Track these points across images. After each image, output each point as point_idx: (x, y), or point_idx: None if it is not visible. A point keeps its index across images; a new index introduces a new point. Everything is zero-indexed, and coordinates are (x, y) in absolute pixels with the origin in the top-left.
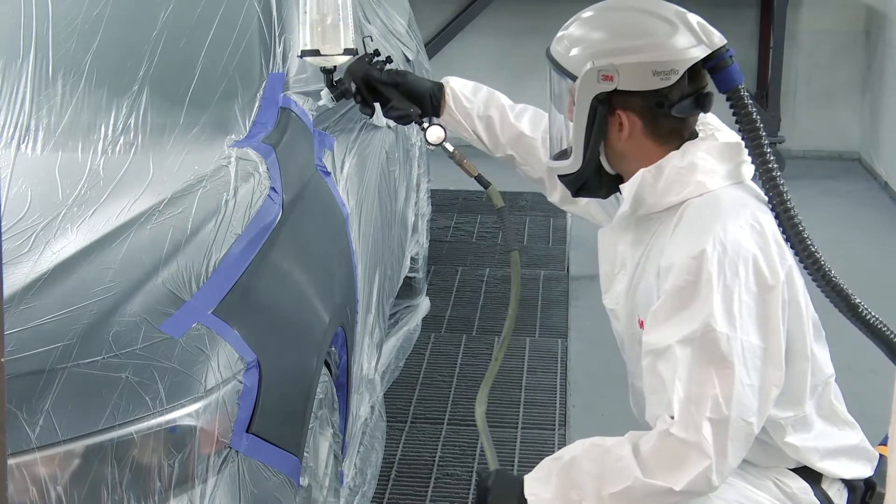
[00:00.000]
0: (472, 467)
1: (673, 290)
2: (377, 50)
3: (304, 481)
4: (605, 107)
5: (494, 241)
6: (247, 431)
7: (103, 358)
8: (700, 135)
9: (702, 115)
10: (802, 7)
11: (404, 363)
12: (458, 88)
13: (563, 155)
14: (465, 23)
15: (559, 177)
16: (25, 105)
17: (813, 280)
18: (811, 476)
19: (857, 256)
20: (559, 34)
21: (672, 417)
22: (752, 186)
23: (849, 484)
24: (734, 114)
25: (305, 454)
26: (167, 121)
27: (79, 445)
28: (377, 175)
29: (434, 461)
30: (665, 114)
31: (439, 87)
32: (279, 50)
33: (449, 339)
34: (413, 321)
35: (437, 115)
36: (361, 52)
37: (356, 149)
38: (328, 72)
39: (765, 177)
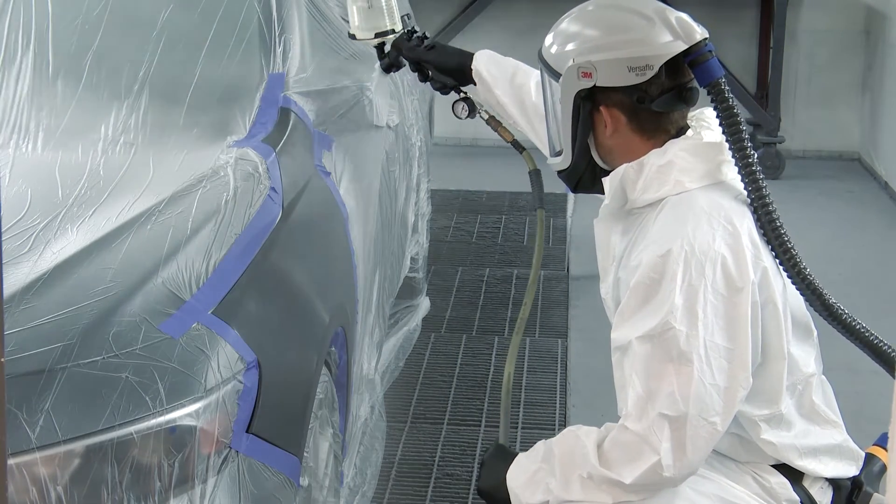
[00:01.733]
0: (472, 467)
1: (636, 286)
2: (414, 27)
3: (304, 481)
4: (589, 103)
5: (494, 241)
6: (247, 431)
7: (103, 358)
8: (690, 131)
9: (701, 110)
10: (802, 7)
11: (404, 363)
12: (483, 65)
13: (557, 154)
14: (465, 23)
15: (557, 174)
16: (25, 105)
17: (789, 278)
18: (793, 473)
19: (857, 256)
20: (548, 34)
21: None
22: (733, 186)
23: (834, 483)
24: (714, 108)
25: (305, 454)
26: (167, 121)
27: (79, 445)
28: (377, 175)
29: (434, 461)
30: (646, 109)
31: (467, 60)
32: (279, 50)
33: (449, 339)
34: (413, 321)
35: (473, 84)
36: (401, 29)
37: (356, 149)
38: (379, 48)
39: (744, 171)
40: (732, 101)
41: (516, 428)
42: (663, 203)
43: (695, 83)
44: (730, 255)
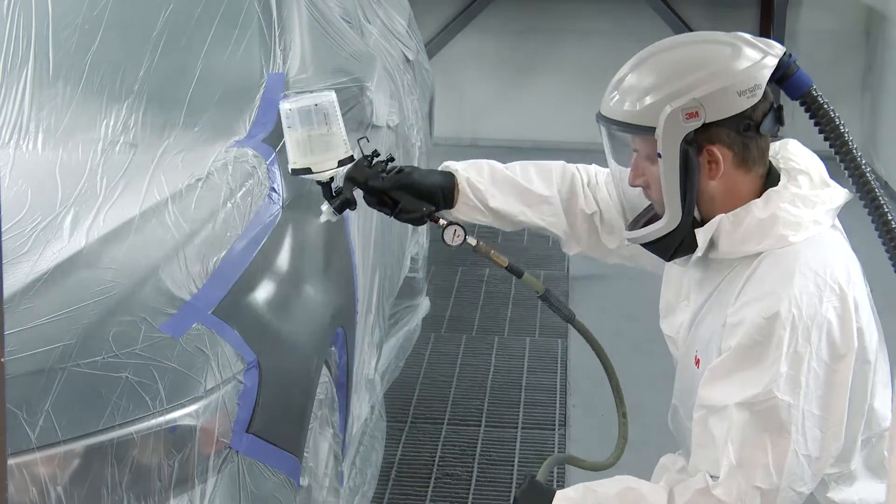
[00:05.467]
0: (472, 467)
1: (739, 348)
2: (376, 150)
3: (304, 481)
4: (695, 147)
5: (494, 241)
6: (247, 431)
7: (103, 358)
8: (783, 175)
9: (782, 143)
10: (802, 7)
11: (404, 363)
12: (466, 174)
13: (648, 220)
14: (465, 23)
15: (647, 245)
16: (25, 105)
17: None
18: None
19: (857, 256)
20: (610, 94)
21: (713, 477)
22: (836, 235)
23: None
24: (811, 117)
25: (305, 454)
26: (167, 121)
27: (79, 445)
28: None
29: (434, 461)
30: (752, 136)
31: (449, 178)
32: (279, 50)
33: (449, 339)
34: (413, 321)
35: (451, 207)
36: (358, 156)
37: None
38: (325, 184)
39: (858, 181)
40: (829, 108)
41: (516, 428)
42: (762, 257)
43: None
44: (836, 321)
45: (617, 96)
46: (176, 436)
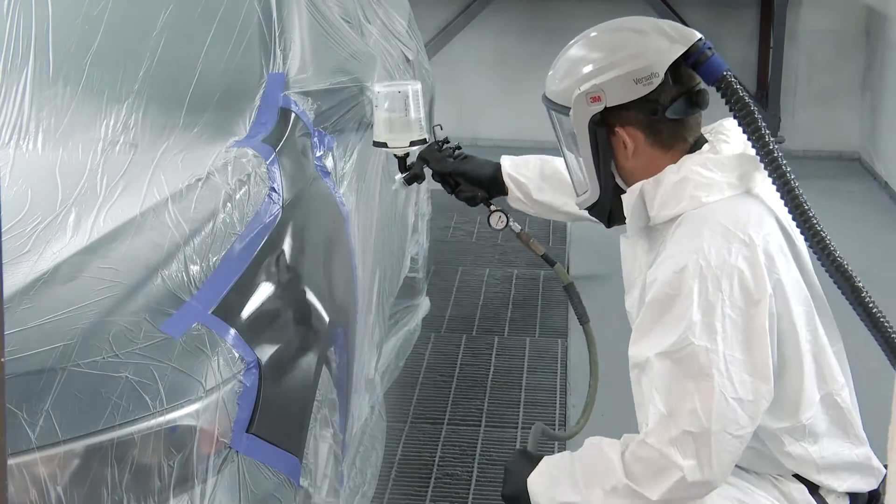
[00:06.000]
0: (473, 467)
1: (653, 302)
2: (447, 138)
3: (304, 481)
4: (604, 128)
5: (494, 241)
6: (247, 431)
7: (103, 358)
8: (707, 146)
9: (719, 122)
10: (802, 7)
11: (404, 363)
12: (513, 170)
13: (584, 191)
14: (465, 23)
15: (588, 211)
16: (25, 105)
17: (823, 267)
18: (809, 481)
19: (857, 256)
20: (548, 76)
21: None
22: (754, 196)
23: (851, 493)
24: (726, 102)
25: (305, 454)
26: (167, 121)
27: (79, 445)
28: (377, 175)
29: (434, 461)
30: (661, 119)
31: (498, 170)
32: (279, 50)
33: (449, 339)
34: (413, 321)
35: (505, 194)
36: (431, 140)
37: (356, 149)
38: (401, 158)
39: (766, 158)
40: (742, 93)
41: (516, 428)
42: (680, 219)
43: (703, 85)
44: (747, 268)
45: (550, 76)
46: (176, 436)
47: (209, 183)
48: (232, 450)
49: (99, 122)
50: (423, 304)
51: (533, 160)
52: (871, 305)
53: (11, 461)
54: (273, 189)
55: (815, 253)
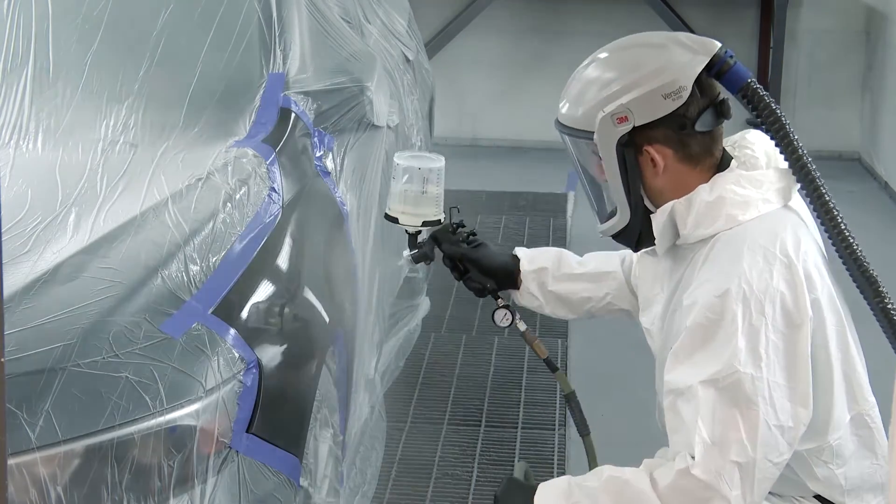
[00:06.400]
0: (472, 467)
1: (694, 328)
2: (462, 221)
3: (303, 481)
4: (632, 148)
5: (494, 241)
6: (247, 431)
7: (103, 358)
8: (734, 162)
9: (741, 134)
10: (802, 7)
11: (404, 363)
12: (532, 264)
13: (609, 216)
14: (465, 23)
15: (615, 238)
16: (25, 105)
17: (850, 275)
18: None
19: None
20: (561, 101)
21: (693, 457)
22: (790, 209)
23: None
24: (752, 110)
25: (305, 454)
26: (167, 121)
27: (79, 445)
28: (377, 175)
29: (434, 461)
30: (690, 133)
31: (514, 263)
32: (279, 50)
33: (449, 339)
34: (413, 321)
35: (516, 288)
36: (446, 220)
37: (356, 149)
38: (412, 235)
39: (798, 170)
40: (769, 100)
41: (516, 428)
42: (715, 239)
43: (724, 95)
44: (788, 292)
45: (564, 103)
46: (176, 436)
47: (209, 183)
48: (232, 450)
49: (99, 122)
50: (423, 304)
51: (551, 250)
52: None
53: (11, 461)
54: (273, 189)
55: (846, 266)
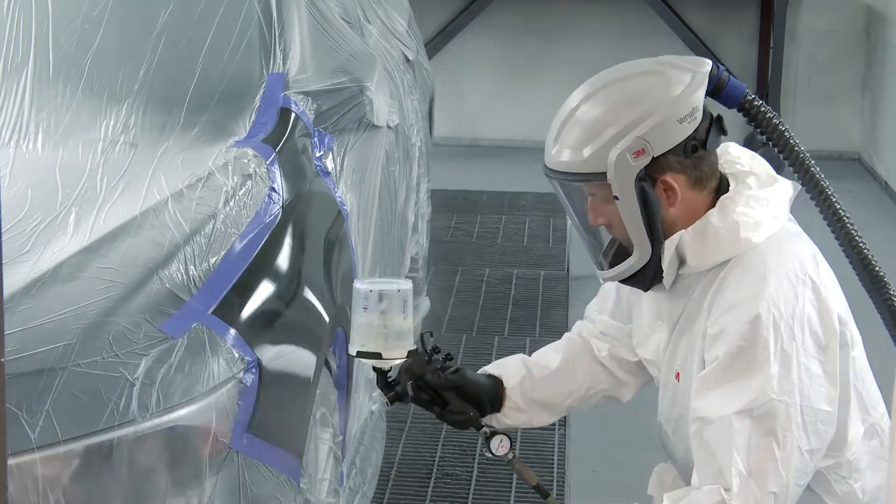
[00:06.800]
0: (472, 467)
1: (726, 356)
2: (436, 346)
3: (303, 482)
4: (649, 181)
5: (494, 241)
6: (247, 431)
7: (103, 358)
8: (732, 180)
9: (724, 148)
10: (802, 7)
11: None
12: (510, 378)
13: (617, 259)
14: (465, 23)
15: (626, 281)
16: (25, 105)
17: (864, 288)
18: None
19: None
20: (552, 147)
21: (726, 490)
22: (794, 224)
23: None
24: (754, 126)
25: (305, 454)
26: (167, 121)
27: (79, 445)
28: (377, 175)
29: (434, 461)
30: (701, 156)
31: (497, 384)
32: (279, 50)
33: (449, 339)
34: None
35: (497, 410)
36: (419, 349)
37: (356, 149)
38: (383, 372)
39: (807, 181)
40: (767, 110)
41: (515, 428)
42: (730, 264)
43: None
44: (814, 314)
45: (560, 149)
46: (176, 436)
47: (209, 183)
48: (232, 450)
49: (99, 122)
50: (423, 304)
51: (512, 360)
52: None
53: (11, 461)
54: (273, 189)
55: (858, 274)
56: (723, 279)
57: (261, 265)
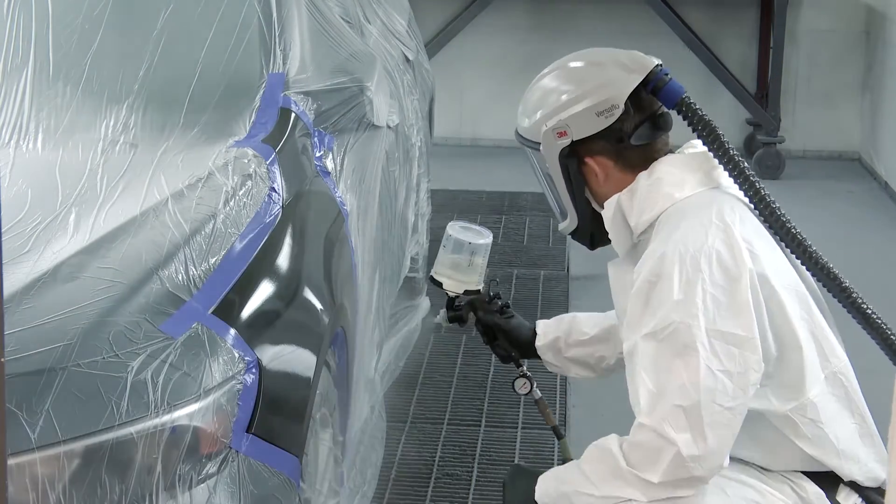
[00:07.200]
0: (472, 467)
1: (637, 293)
2: (499, 293)
3: (303, 482)
4: (574, 159)
5: (494, 241)
6: (247, 431)
7: (103, 358)
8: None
9: (689, 142)
10: (802, 7)
11: (404, 363)
12: (543, 336)
13: (563, 218)
14: (466, 23)
15: (572, 236)
16: (25, 105)
17: (801, 262)
18: (827, 483)
19: (858, 256)
20: (519, 111)
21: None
22: (726, 189)
23: (865, 496)
24: (689, 124)
25: (305, 454)
26: (167, 121)
27: (79, 445)
28: (377, 175)
29: (434, 461)
30: (627, 146)
31: (534, 335)
32: (279, 50)
33: (449, 339)
34: (413, 321)
35: (538, 358)
36: (484, 291)
37: (356, 149)
38: (451, 298)
39: (734, 172)
40: (703, 113)
41: (516, 428)
42: (659, 220)
43: (664, 108)
44: (724, 248)
45: (520, 112)
46: (176, 436)
47: (209, 183)
48: (232, 450)
49: (99, 122)
50: (423, 304)
51: (566, 318)
52: (856, 299)
53: (11, 461)
54: (273, 189)
55: (785, 245)
56: (653, 237)
57: (261, 265)
